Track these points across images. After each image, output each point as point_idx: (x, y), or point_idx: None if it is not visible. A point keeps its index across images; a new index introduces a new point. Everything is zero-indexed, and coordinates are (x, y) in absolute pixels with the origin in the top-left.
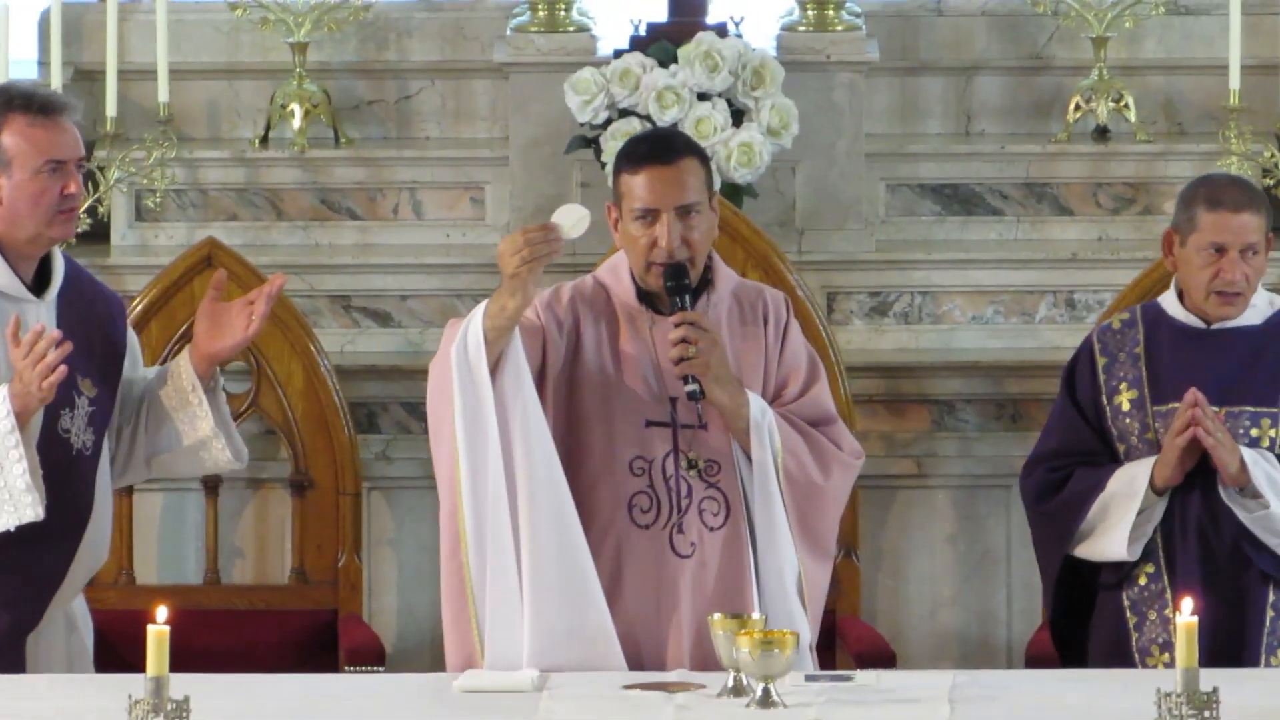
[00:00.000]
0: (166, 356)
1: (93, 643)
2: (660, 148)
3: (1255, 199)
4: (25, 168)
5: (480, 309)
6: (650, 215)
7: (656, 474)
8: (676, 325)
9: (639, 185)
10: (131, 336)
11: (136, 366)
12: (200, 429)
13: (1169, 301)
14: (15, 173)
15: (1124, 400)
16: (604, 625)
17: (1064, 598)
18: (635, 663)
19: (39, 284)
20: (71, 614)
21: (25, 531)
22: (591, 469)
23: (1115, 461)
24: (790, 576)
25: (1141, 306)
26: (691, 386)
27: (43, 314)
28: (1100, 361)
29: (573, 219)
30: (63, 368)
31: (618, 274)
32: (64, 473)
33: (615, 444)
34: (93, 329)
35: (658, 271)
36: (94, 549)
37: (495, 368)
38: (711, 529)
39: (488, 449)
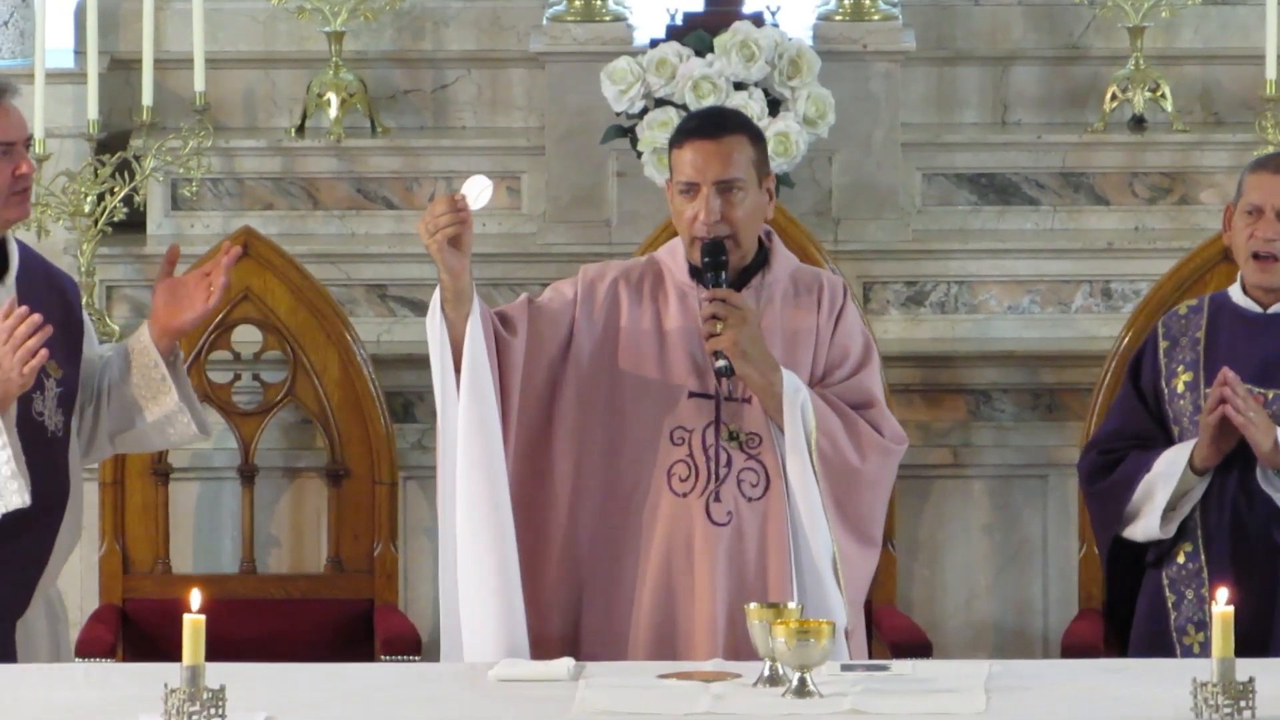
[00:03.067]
0: (204, 346)
1: (68, 629)
2: (709, 123)
3: None
4: None
5: (437, 289)
6: (692, 189)
7: (696, 444)
8: (708, 302)
9: (683, 159)
10: (86, 317)
11: (93, 345)
12: (165, 404)
13: (1234, 289)
14: None
15: (1180, 382)
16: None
17: (1121, 580)
18: (667, 629)
19: None
20: (53, 602)
21: (7, 518)
22: (632, 438)
23: (1169, 445)
24: (824, 556)
25: (1210, 295)
26: (721, 362)
27: (2, 298)
28: (1162, 346)
29: (476, 189)
30: (44, 352)
31: (674, 252)
32: (41, 457)
33: (656, 414)
34: (53, 310)
35: (698, 246)
36: (71, 530)
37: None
38: (750, 500)
39: (447, 420)
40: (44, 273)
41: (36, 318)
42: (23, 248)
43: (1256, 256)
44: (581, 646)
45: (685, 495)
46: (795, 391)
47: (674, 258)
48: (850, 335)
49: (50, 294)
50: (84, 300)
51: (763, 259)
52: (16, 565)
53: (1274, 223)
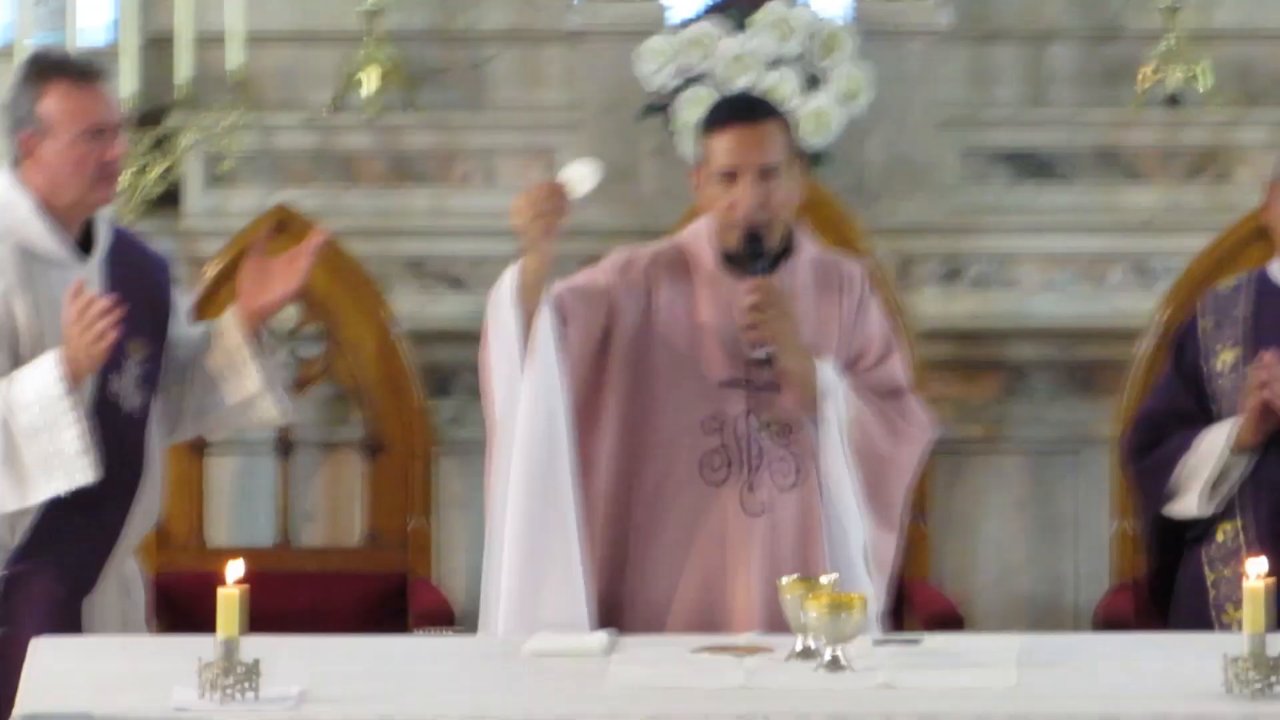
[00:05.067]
0: None
1: (144, 605)
2: (744, 109)
3: None
4: (66, 134)
5: (511, 270)
6: (732, 175)
7: (729, 433)
8: (749, 293)
9: (721, 146)
10: (177, 296)
11: (182, 326)
12: (248, 386)
13: (1276, 266)
14: (57, 139)
15: (1220, 361)
16: (574, 592)
17: (1164, 557)
18: (704, 620)
19: (85, 249)
20: (125, 576)
21: (80, 495)
22: (666, 427)
23: (1209, 424)
24: (857, 543)
25: (1253, 273)
26: (762, 352)
27: (90, 277)
28: (1206, 324)
29: (579, 175)
30: (115, 331)
31: (699, 237)
32: (116, 435)
33: (689, 402)
34: (140, 291)
35: (737, 233)
36: (147, 509)
37: (530, 324)
38: (783, 489)
39: (517, 407)
40: (136, 253)
41: (108, 300)
42: (118, 230)
43: None
44: (624, 613)
45: (719, 485)
46: (831, 381)
47: (700, 243)
48: (874, 323)
49: (138, 275)
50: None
51: (788, 245)
52: (89, 540)
53: None
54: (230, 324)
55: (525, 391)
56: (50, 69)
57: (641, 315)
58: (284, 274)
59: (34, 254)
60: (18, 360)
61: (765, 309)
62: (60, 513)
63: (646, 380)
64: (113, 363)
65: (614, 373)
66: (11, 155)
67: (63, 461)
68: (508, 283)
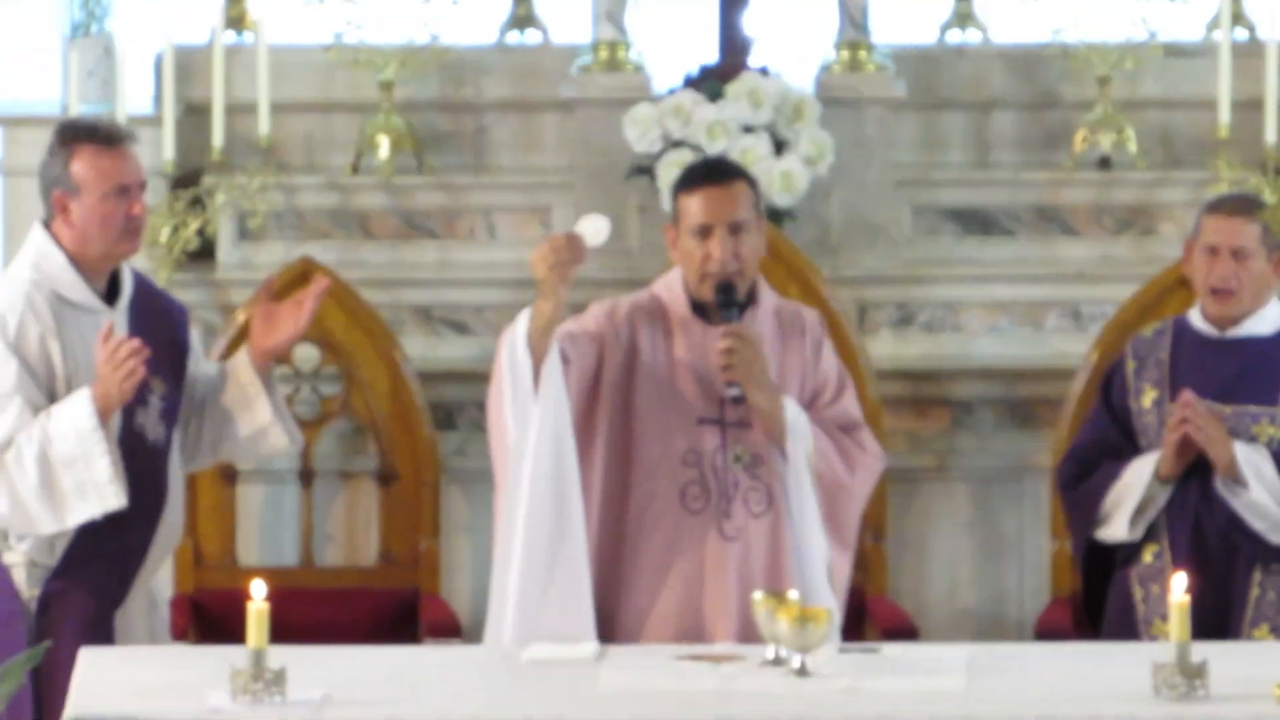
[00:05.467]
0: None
1: (168, 619)
2: (715, 171)
3: (1251, 208)
4: (94, 193)
5: (525, 314)
6: (705, 231)
7: (707, 466)
8: (723, 336)
9: (695, 204)
10: (194, 337)
11: (199, 364)
12: (259, 419)
13: (1193, 314)
14: (85, 197)
15: (1147, 399)
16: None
17: (1094, 576)
18: (685, 634)
19: (111, 296)
20: (152, 592)
21: (110, 519)
22: (649, 460)
23: (1137, 455)
24: (821, 563)
25: (1174, 319)
26: (734, 390)
27: (117, 321)
28: (1130, 366)
29: (593, 229)
30: (142, 370)
31: (672, 288)
32: (141, 464)
33: (670, 438)
34: (161, 333)
35: (711, 284)
36: (170, 530)
37: (539, 366)
38: (755, 516)
39: (528, 439)
40: (156, 299)
41: (135, 342)
42: (138, 277)
43: (1215, 291)
44: (610, 625)
45: (698, 513)
46: (796, 416)
47: (673, 294)
48: (829, 364)
49: (158, 319)
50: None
51: (752, 295)
52: (118, 560)
53: (1230, 261)
54: (242, 363)
55: (536, 425)
56: (80, 134)
57: (626, 358)
58: (291, 317)
59: (66, 301)
60: (53, 396)
61: (738, 352)
62: (92, 535)
63: (631, 417)
64: (138, 399)
65: (603, 409)
66: (45, 212)
67: (96, 488)
68: (521, 327)
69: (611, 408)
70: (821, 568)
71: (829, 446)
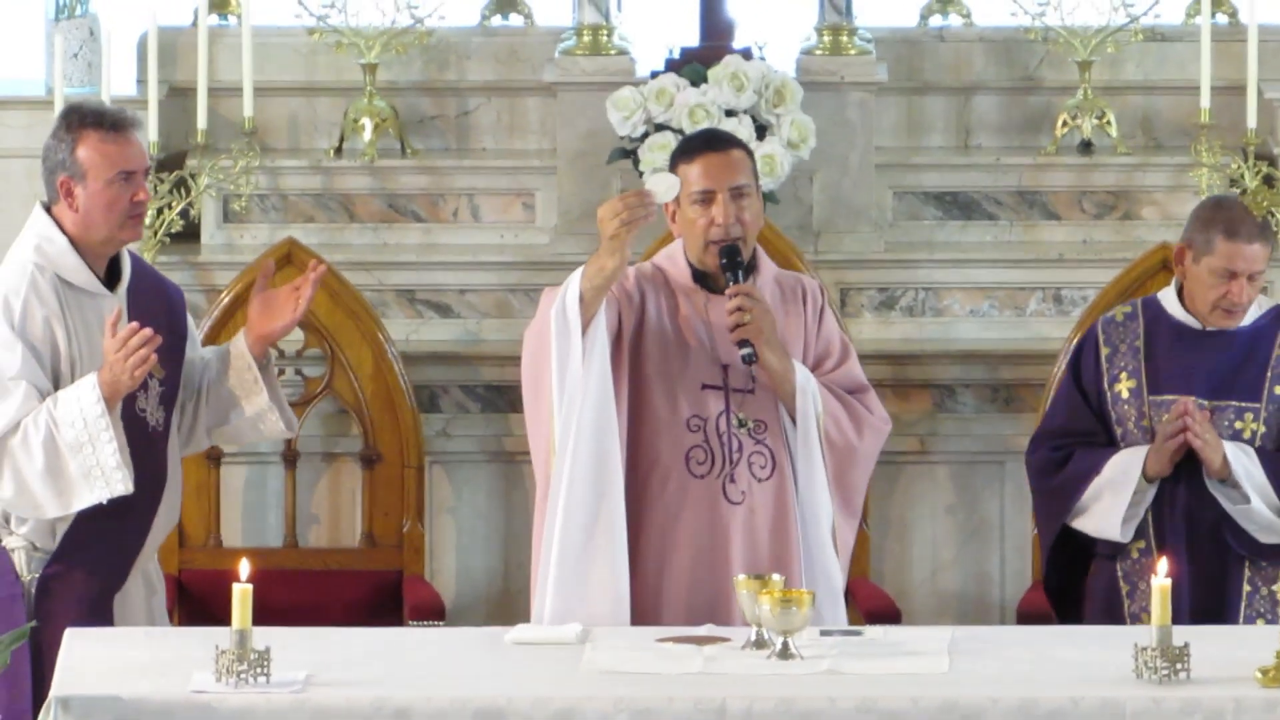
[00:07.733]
0: None
1: (165, 601)
2: (713, 139)
3: (1265, 231)
4: (99, 178)
5: (578, 272)
6: (708, 196)
7: (711, 430)
8: (732, 296)
9: (696, 171)
10: (190, 322)
11: (196, 348)
12: (256, 403)
13: (1169, 299)
14: (90, 183)
15: (1123, 389)
16: (619, 586)
17: (1060, 556)
18: (694, 596)
19: (110, 280)
20: (150, 576)
21: (112, 503)
22: (654, 424)
23: (1112, 443)
24: (827, 526)
25: (1142, 301)
26: (746, 350)
27: (113, 305)
28: (1104, 351)
29: (664, 185)
30: (153, 358)
31: (674, 259)
32: (143, 447)
33: (675, 403)
34: (159, 318)
35: (714, 250)
36: (169, 513)
37: (587, 327)
38: (760, 480)
39: (574, 404)
40: (154, 284)
41: (147, 331)
42: (136, 262)
43: (1227, 310)
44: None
45: (703, 477)
46: (806, 379)
47: (675, 264)
48: (832, 330)
49: (157, 303)
50: None
51: (754, 264)
52: (118, 543)
53: (1246, 285)
54: (240, 348)
55: (588, 384)
56: (86, 119)
57: (637, 322)
58: (288, 303)
59: (69, 284)
60: (58, 380)
61: (749, 310)
62: (92, 519)
63: (639, 381)
64: (140, 383)
65: (623, 371)
66: (49, 196)
67: (103, 474)
68: (573, 288)
69: (624, 371)
70: (827, 531)
71: (839, 409)
